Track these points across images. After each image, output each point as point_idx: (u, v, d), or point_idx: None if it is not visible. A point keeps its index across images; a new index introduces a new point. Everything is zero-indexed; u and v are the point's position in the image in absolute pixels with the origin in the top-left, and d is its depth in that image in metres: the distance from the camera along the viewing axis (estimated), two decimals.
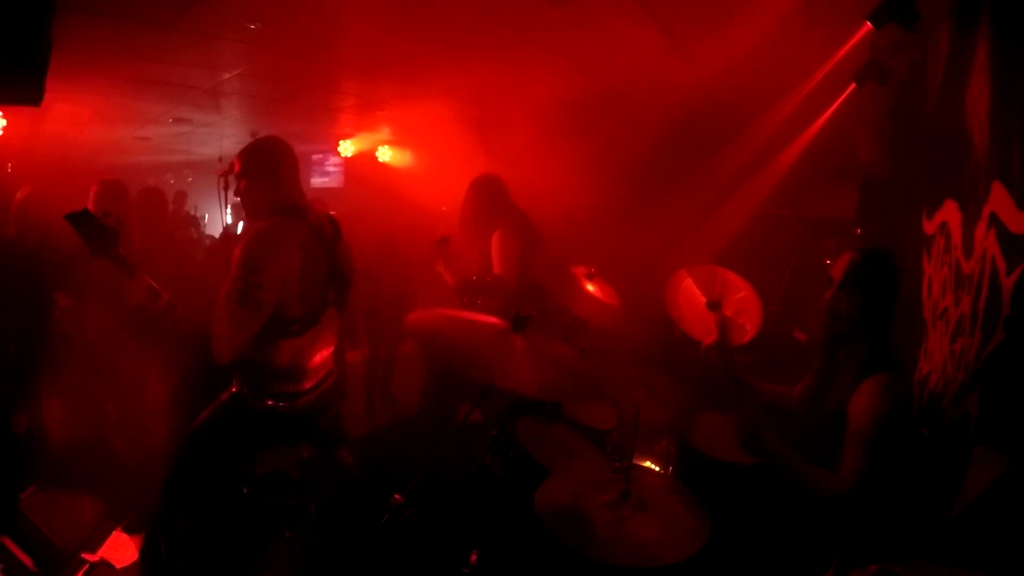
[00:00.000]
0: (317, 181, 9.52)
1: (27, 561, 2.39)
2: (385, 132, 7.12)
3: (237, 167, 2.10)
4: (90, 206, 2.95)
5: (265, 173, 2.06)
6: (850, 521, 1.59)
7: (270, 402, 2.07)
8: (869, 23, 2.32)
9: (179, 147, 8.40)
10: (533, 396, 1.63)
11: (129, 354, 3.24)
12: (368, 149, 7.42)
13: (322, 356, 2.17)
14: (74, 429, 3.26)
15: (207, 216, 9.06)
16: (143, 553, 2.49)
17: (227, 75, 4.65)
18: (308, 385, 2.13)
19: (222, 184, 2.70)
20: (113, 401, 3.30)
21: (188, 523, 2.02)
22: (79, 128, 6.29)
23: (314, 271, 1.99)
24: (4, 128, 4.98)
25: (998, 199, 1.78)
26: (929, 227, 2.43)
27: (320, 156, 9.53)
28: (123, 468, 3.08)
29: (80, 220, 1.94)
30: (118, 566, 2.51)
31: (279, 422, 2.10)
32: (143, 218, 3.84)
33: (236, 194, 2.15)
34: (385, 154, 7.38)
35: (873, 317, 1.75)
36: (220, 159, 7.03)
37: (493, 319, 1.74)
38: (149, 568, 2.18)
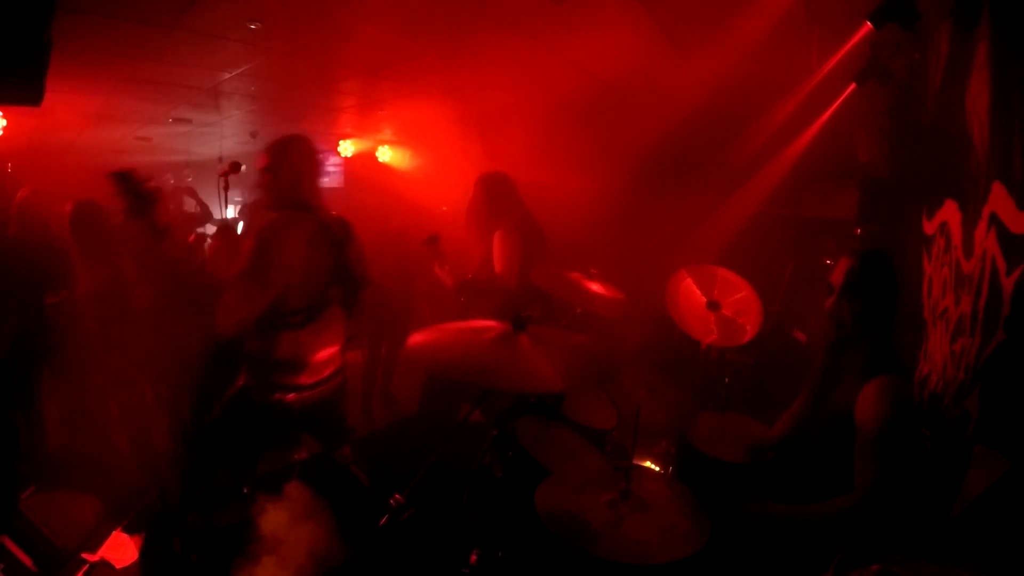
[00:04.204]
0: None
1: (27, 561, 2.39)
2: (385, 132, 7.12)
3: (265, 160, 2.23)
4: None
5: (286, 170, 2.21)
6: (860, 525, 1.60)
7: (276, 395, 2.14)
8: (869, 23, 2.32)
9: (179, 147, 8.39)
10: (558, 390, 1.63)
11: (129, 352, 3.24)
12: (368, 149, 7.42)
13: (326, 353, 2.23)
14: (72, 429, 3.27)
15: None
16: (143, 553, 2.50)
17: (227, 75, 4.64)
18: (311, 380, 2.19)
19: (222, 184, 2.71)
20: (116, 399, 3.31)
21: (200, 518, 2.06)
22: (79, 128, 6.28)
23: (317, 266, 2.10)
24: (4, 128, 4.97)
25: (998, 199, 1.78)
26: (929, 227, 2.43)
27: (320, 156, 9.52)
28: (123, 468, 3.08)
29: (122, 180, 2.02)
30: (118, 566, 2.51)
31: (285, 416, 2.16)
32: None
33: (259, 184, 2.27)
34: (385, 154, 7.37)
35: (874, 320, 1.75)
36: (220, 159, 7.02)
37: (491, 323, 1.73)
38: (155, 566, 2.20)
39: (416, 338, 1.63)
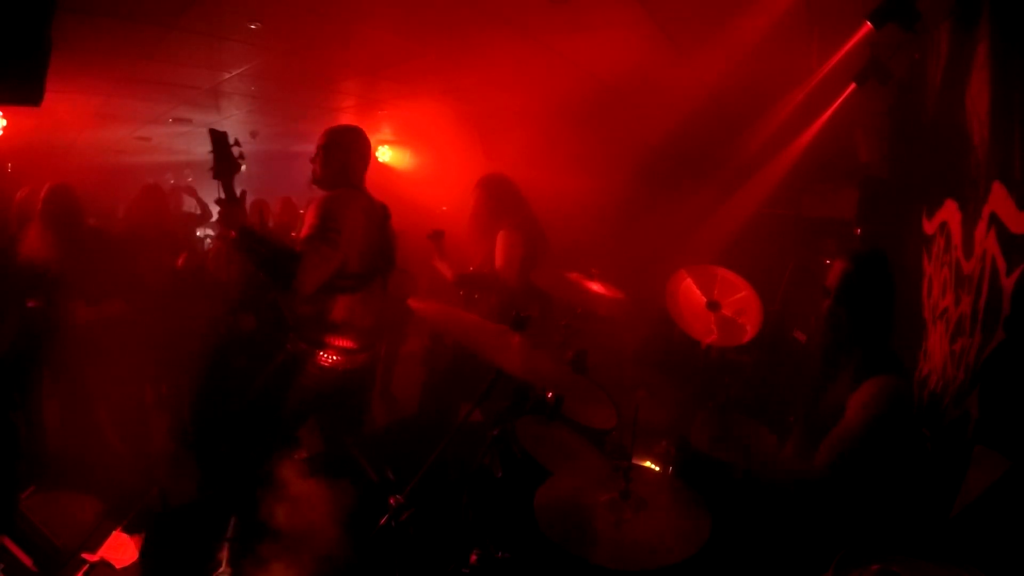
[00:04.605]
0: None
1: (27, 561, 2.39)
2: (385, 132, 7.12)
3: (321, 141, 2.44)
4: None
5: (339, 154, 2.42)
6: (811, 502, 1.60)
7: (325, 358, 2.30)
8: (869, 23, 2.32)
9: (179, 147, 8.39)
10: (531, 381, 1.69)
11: (119, 356, 3.26)
12: None
13: (372, 319, 2.41)
14: (72, 429, 3.27)
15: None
16: (143, 553, 2.50)
17: (227, 75, 4.65)
18: (358, 344, 2.37)
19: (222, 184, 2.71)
20: (104, 402, 3.31)
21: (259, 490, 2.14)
22: (79, 128, 6.29)
23: (371, 236, 2.33)
24: (4, 128, 4.97)
25: (998, 199, 1.78)
26: (929, 227, 2.43)
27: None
28: (123, 468, 3.08)
29: (218, 138, 2.14)
30: (118, 566, 2.50)
31: (332, 379, 2.32)
32: (144, 214, 3.85)
33: (312, 161, 2.47)
34: (385, 154, 7.37)
35: (871, 322, 1.75)
36: None
37: (491, 324, 1.75)
38: (155, 566, 2.23)
39: (422, 301, 1.82)
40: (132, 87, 4.89)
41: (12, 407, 2.78)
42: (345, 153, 2.43)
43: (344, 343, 2.33)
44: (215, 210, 2.33)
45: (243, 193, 2.18)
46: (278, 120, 6.45)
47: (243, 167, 2.15)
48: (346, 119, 6.54)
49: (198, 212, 5.70)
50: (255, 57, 4.14)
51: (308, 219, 2.23)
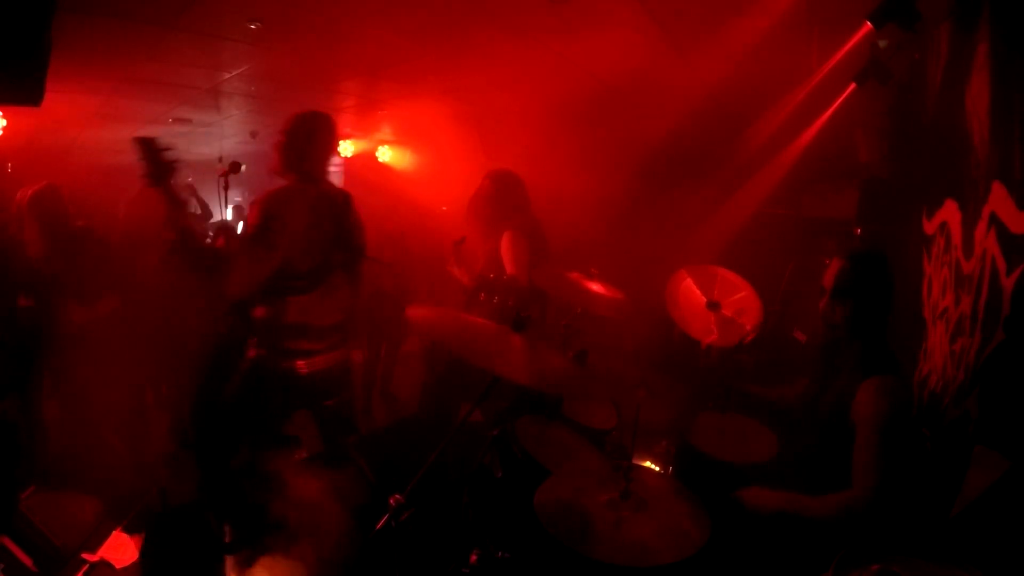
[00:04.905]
0: None
1: (27, 561, 2.38)
2: (385, 132, 7.12)
3: (283, 128, 2.37)
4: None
5: (297, 143, 2.33)
6: (863, 524, 1.59)
7: (287, 362, 2.22)
8: (869, 23, 2.32)
9: (179, 147, 8.38)
10: (531, 386, 1.67)
11: (114, 356, 3.26)
12: (368, 149, 7.42)
13: (332, 319, 2.31)
14: (72, 429, 3.27)
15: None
16: (143, 553, 2.50)
17: (227, 75, 4.65)
18: (319, 345, 2.28)
19: (222, 184, 2.71)
20: (100, 402, 3.31)
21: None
22: (79, 128, 6.29)
23: (319, 233, 2.20)
24: (4, 128, 4.97)
25: (998, 199, 1.78)
26: (929, 227, 2.43)
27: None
28: (123, 468, 3.08)
29: (146, 145, 2.08)
30: (118, 566, 2.50)
31: (297, 384, 2.24)
32: (143, 213, 3.84)
33: (273, 148, 2.39)
34: (385, 154, 7.37)
35: (867, 321, 1.76)
36: (220, 159, 7.02)
37: (492, 326, 1.74)
38: (155, 566, 2.22)
39: (419, 309, 1.76)
40: (132, 87, 4.89)
41: (12, 407, 2.78)
42: (304, 142, 2.33)
43: (303, 345, 2.24)
44: (216, 210, 2.33)
45: (184, 199, 2.15)
46: (278, 120, 6.41)
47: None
48: (346, 119, 6.58)
49: (198, 212, 5.70)
50: (255, 57, 4.14)
51: (248, 219, 2.17)
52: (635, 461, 2.01)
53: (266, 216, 2.10)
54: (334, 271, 2.29)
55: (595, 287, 2.68)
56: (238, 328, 2.35)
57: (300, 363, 2.23)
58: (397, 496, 1.45)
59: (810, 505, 1.66)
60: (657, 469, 2.27)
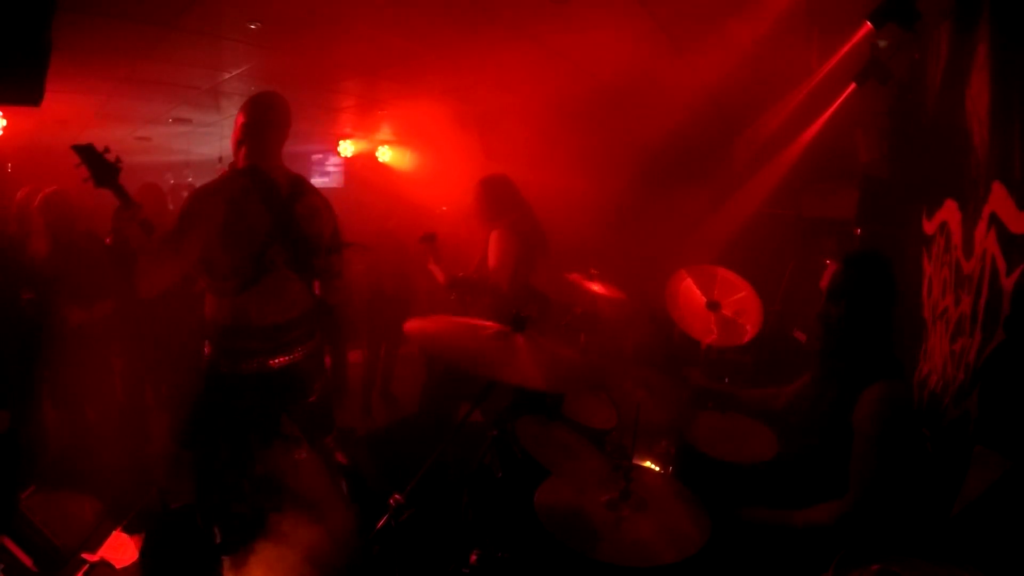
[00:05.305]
0: (317, 181, 9.50)
1: (27, 561, 2.39)
2: (385, 132, 7.12)
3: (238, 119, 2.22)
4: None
5: (239, 129, 2.19)
6: (856, 528, 1.59)
7: (236, 363, 2.10)
8: (869, 23, 2.32)
9: (179, 147, 8.39)
10: (539, 388, 1.65)
11: (111, 357, 3.27)
12: (368, 149, 7.42)
13: (281, 318, 2.13)
14: (72, 429, 3.27)
15: None
16: (143, 553, 2.50)
17: (227, 75, 4.64)
18: (266, 346, 2.12)
19: None
20: (91, 402, 3.32)
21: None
22: (79, 128, 6.28)
23: (243, 228, 2.02)
24: (4, 128, 4.97)
25: (998, 199, 1.78)
26: (929, 227, 2.43)
27: (320, 156, 9.52)
28: (123, 468, 3.08)
29: (85, 151, 2.05)
30: (118, 566, 2.51)
31: (251, 384, 2.12)
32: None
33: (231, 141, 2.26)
34: (385, 154, 7.37)
35: (865, 323, 1.75)
36: (220, 159, 7.02)
37: (490, 324, 1.74)
38: (155, 566, 2.21)
39: (416, 321, 1.68)
40: (132, 87, 4.88)
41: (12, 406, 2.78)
42: (246, 128, 2.18)
43: (247, 346, 2.10)
44: None
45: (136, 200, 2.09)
46: None
47: (121, 169, 2.09)
48: (346, 119, 6.58)
49: None
50: (255, 57, 4.13)
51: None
52: (635, 461, 2.01)
53: (181, 215, 2.00)
54: (275, 269, 2.10)
55: (595, 287, 2.68)
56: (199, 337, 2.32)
57: (248, 363, 2.11)
58: (397, 496, 1.45)
59: (806, 517, 1.67)
60: (657, 469, 2.28)
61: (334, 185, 9.39)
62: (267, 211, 2.07)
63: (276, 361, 2.15)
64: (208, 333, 2.16)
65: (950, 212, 2.20)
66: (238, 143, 2.20)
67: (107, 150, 2.07)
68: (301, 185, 2.23)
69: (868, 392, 1.66)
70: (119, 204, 2.05)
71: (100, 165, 2.05)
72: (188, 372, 3.03)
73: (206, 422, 2.15)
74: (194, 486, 2.33)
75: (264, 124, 2.19)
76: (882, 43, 2.72)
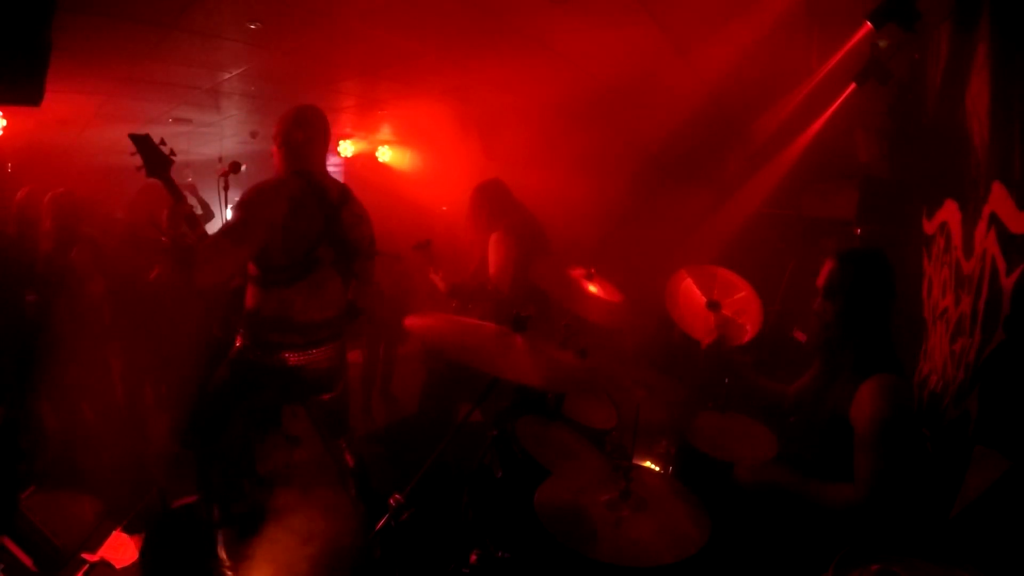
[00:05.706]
0: None
1: (27, 561, 2.39)
2: (385, 132, 7.11)
3: (274, 129, 2.35)
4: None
5: (286, 140, 2.31)
6: (863, 524, 1.59)
7: (270, 354, 2.19)
8: (869, 23, 2.32)
9: (179, 147, 8.37)
10: (537, 387, 1.66)
11: (110, 358, 3.27)
12: (368, 149, 7.41)
13: (319, 315, 2.25)
14: (71, 429, 3.27)
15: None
16: (143, 553, 2.50)
17: (227, 75, 4.64)
18: (303, 340, 2.23)
19: (222, 184, 2.71)
20: (88, 401, 3.33)
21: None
22: (79, 128, 6.28)
23: (302, 226, 2.15)
24: (4, 128, 4.97)
25: (998, 199, 1.78)
26: (929, 227, 2.43)
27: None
28: (123, 468, 3.08)
29: (141, 141, 2.13)
30: (118, 566, 2.51)
31: (279, 377, 2.21)
32: (143, 212, 3.85)
33: (272, 153, 2.39)
34: (385, 154, 7.37)
35: (859, 320, 1.75)
36: (220, 159, 7.03)
37: (490, 324, 1.74)
38: (155, 566, 2.22)
39: (416, 317, 1.72)
40: (132, 87, 4.88)
41: (11, 405, 2.78)
42: (291, 141, 2.31)
43: (284, 339, 2.20)
44: (216, 210, 2.33)
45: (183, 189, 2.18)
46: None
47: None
48: (346, 119, 6.57)
49: (199, 211, 5.71)
50: (255, 57, 4.13)
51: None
52: (635, 461, 2.01)
53: (239, 208, 2.10)
54: (321, 267, 2.22)
55: (594, 288, 2.67)
56: (233, 330, 2.35)
57: (280, 356, 2.20)
58: (397, 496, 1.46)
59: (810, 490, 1.67)
60: (657, 469, 2.28)
61: None
62: (320, 212, 2.22)
63: (305, 357, 2.24)
64: (245, 324, 2.24)
65: (950, 212, 2.20)
66: (289, 149, 2.31)
67: (163, 142, 2.16)
68: (347, 194, 2.40)
69: (865, 387, 1.66)
70: (172, 203, 2.10)
71: (154, 155, 2.13)
72: (188, 372, 3.05)
73: (221, 411, 2.21)
74: (194, 486, 2.35)
75: (310, 138, 2.36)
76: (882, 43, 2.72)
